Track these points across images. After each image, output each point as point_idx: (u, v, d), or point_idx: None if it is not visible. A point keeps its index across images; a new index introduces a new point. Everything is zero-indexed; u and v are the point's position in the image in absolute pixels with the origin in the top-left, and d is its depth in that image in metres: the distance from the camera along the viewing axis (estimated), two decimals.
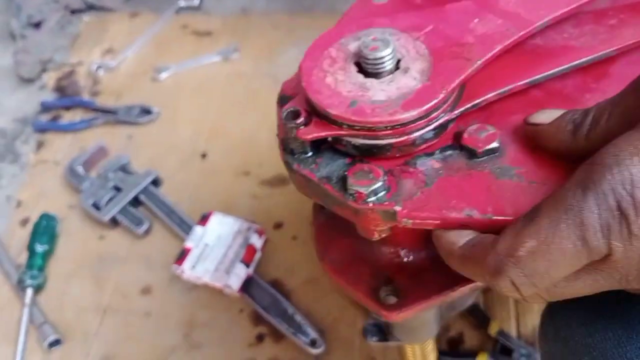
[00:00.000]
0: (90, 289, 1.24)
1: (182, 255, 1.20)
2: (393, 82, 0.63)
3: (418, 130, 0.62)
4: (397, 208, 0.59)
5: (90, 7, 1.63)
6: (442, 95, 0.61)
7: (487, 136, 0.64)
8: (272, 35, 1.59)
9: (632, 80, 0.51)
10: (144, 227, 1.27)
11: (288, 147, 0.68)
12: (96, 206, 1.29)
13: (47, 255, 1.26)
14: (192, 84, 1.49)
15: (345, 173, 0.62)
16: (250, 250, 1.20)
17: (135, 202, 1.30)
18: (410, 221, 0.60)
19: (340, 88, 0.63)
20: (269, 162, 1.35)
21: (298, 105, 0.67)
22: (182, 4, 1.64)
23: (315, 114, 0.63)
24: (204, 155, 1.38)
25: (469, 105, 0.66)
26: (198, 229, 1.23)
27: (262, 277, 1.20)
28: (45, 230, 1.27)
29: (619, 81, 0.62)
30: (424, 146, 0.63)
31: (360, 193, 0.60)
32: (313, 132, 0.63)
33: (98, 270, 1.26)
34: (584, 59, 0.70)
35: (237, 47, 1.53)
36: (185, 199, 1.32)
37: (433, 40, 0.67)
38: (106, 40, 1.60)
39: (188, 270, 1.19)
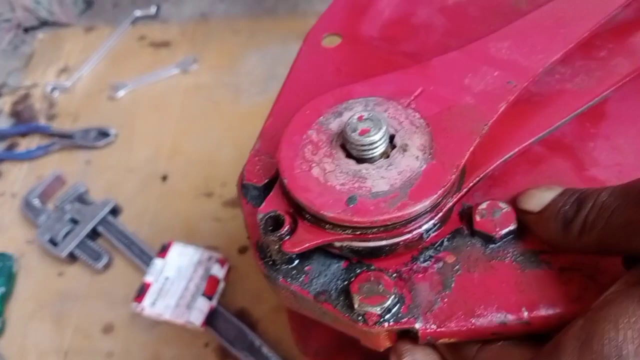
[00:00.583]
0: (51, 330, 1.03)
1: (142, 291, 0.99)
2: (392, 165, 0.45)
3: (428, 221, 0.44)
4: (419, 326, 0.42)
5: (44, 24, 1.37)
6: (454, 176, 0.43)
7: (503, 217, 0.46)
8: (232, 41, 1.33)
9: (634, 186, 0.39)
10: (103, 261, 1.05)
11: (267, 258, 0.45)
12: (53, 241, 1.07)
13: (5, 297, 1.05)
14: (150, 100, 1.24)
15: (346, 284, 0.44)
16: (212, 281, 0.98)
17: (94, 234, 1.08)
18: (434, 339, 0.42)
19: (332, 181, 0.44)
20: (232, 182, 1.09)
21: (276, 206, 0.42)
22: (139, 13, 1.38)
23: (302, 216, 0.44)
24: (164, 178, 1.14)
25: (476, 181, 0.47)
26: (158, 262, 1.00)
27: (228, 308, 0.99)
28: (1, 272, 1.03)
29: (618, 122, 0.51)
30: (431, 236, 0.45)
31: (372, 314, 0.42)
32: (303, 243, 0.43)
33: (58, 310, 1.05)
34: (584, 106, 0.46)
35: (196, 58, 1.29)
36: (145, 227, 1.09)
37: (427, 106, 0.48)
38: (61, 58, 1.34)
39: (148, 307, 0.97)
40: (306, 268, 0.45)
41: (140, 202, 1.12)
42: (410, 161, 0.43)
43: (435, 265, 0.44)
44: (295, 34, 1.39)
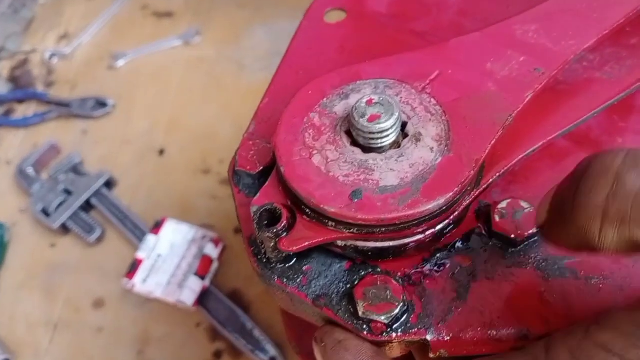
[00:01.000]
0: (41, 302, 0.97)
1: (133, 267, 0.93)
2: (403, 156, 0.38)
3: (442, 220, 0.38)
4: (430, 337, 0.36)
5: None
6: (473, 172, 0.37)
7: (525, 218, 0.39)
8: (237, 15, 1.26)
9: None
10: (96, 234, 0.99)
11: (262, 255, 0.39)
12: (45, 212, 1.01)
13: None
14: (150, 71, 1.17)
15: (349, 288, 0.38)
16: (206, 261, 0.92)
17: (87, 206, 1.02)
18: (447, 353, 0.36)
19: (334, 171, 0.38)
20: (230, 159, 1.03)
21: (272, 198, 0.36)
22: None
23: (301, 210, 0.38)
24: (161, 152, 1.07)
25: (496, 177, 0.40)
26: (150, 238, 0.94)
27: (221, 288, 0.94)
28: None
29: None
30: (445, 237, 0.39)
31: (378, 322, 0.36)
32: (302, 241, 0.37)
33: (49, 281, 0.98)
34: (614, 98, 0.39)
35: (199, 31, 1.21)
36: (140, 201, 1.03)
37: (444, 91, 0.41)
38: (62, 24, 1.26)
39: (139, 284, 0.91)
40: (304, 268, 0.39)
41: (136, 176, 1.06)
42: (424, 153, 0.37)
43: (448, 270, 0.38)
44: (302, 8, 1.30)
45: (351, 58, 0.48)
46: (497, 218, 0.38)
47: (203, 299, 0.91)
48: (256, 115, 0.46)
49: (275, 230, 0.36)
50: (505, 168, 0.39)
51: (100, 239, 0.99)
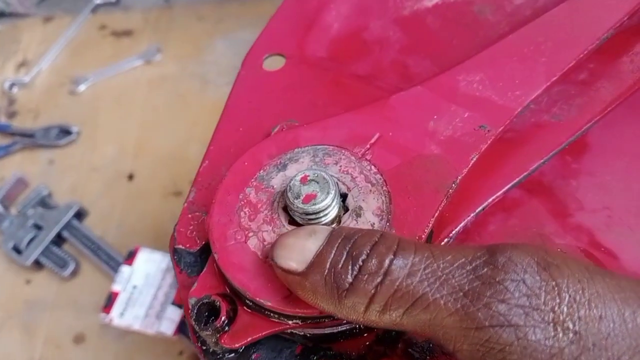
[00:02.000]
0: (21, 340, 0.95)
1: (110, 301, 0.89)
2: None
3: None
4: None
5: (1, 15, 1.21)
6: None
7: None
8: (197, 28, 1.21)
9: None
10: (70, 268, 0.95)
11: (207, 347, 0.37)
12: (17, 249, 0.97)
13: None
14: (112, 94, 1.13)
15: None
16: None
17: (59, 239, 0.98)
18: None
19: None
20: None
21: (211, 287, 0.33)
22: (99, 0, 1.24)
23: (242, 300, 0.35)
24: (130, 177, 1.04)
25: (445, 242, 0.38)
26: (125, 270, 0.91)
27: None
28: None
29: (603, 154, 0.41)
30: None
31: None
32: (244, 337, 0.34)
33: (28, 319, 0.95)
34: (565, 143, 0.37)
35: (159, 48, 1.16)
36: (113, 230, 0.99)
37: (384, 157, 0.37)
38: (19, 51, 1.21)
39: (117, 318, 0.88)
40: (254, 356, 0.35)
41: (106, 204, 1.02)
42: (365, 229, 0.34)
43: (403, 347, 0.35)
44: (264, 19, 1.26)
45: (293, 110, 0.44)
46: None
47: (184, 326, 0.88)
48: (196, 181, 0.43)
49: (215, 327, 0.33)
50: (455, 231, 0.36)
51: (74, 273, 0.96)
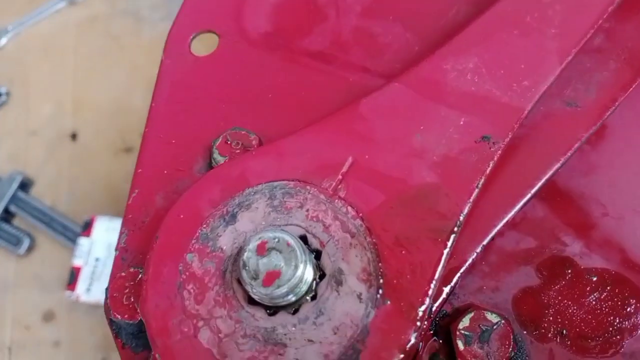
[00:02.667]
0: None
1: (73, 277, 0.80)
2: (323, 314, 0.24)
3: None
4: None
5: None
6: (418, 329, 0.24)
7: (497, 338, 0.27)
8: None
9: None
10: (24, 245, 0.85)
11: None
12: None
13: None
14: (38, 44, 0.96)
15: None
16: None
17: (7, 215, 0.86)
18: None
19: (232, 354, 0.23)
20: None
21: None
22: None
23: None
24: (73, 136, 0.90)
25: (455, 282, 0.27)
26: (83, 242, 0.81)
27: None
28: None
29: (626, 137, 0.30)
30: None
31: None
32: None
33: None
34: (586, 136, 0.26)
35: None
36: (63, 197, 0.88)
37: (363, 192, 0.27)
38: None
39: (83, 294, 0.80)
40: None
41: (52, 170, 0.89)
42: (350, 305, 0.24)
43: None
44: None
45: (237, 110, 0.33)
46: (460, 345, 0.27)
47: None
48: (125, 220, 0.32)
49: None
50: (465, 266, 0.27)
51: (30, 249, 0.85)
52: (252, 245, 0.23)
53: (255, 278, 0.23)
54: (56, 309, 0.83)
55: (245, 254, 0.23)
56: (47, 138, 0.90)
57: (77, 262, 0.80)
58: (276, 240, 0.23)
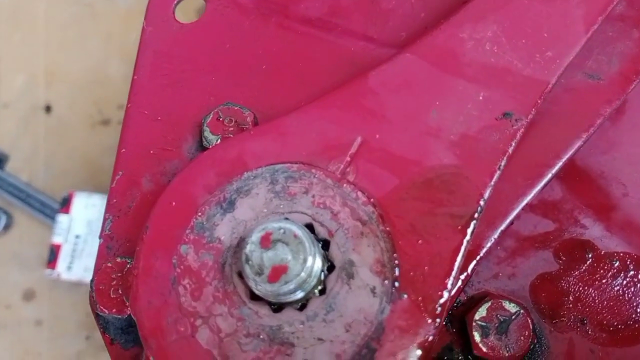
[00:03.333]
0: None
1: (53, 255, 0.76)
2: (334, 310, 0.22)
3: None
4: None
5: None
6: (437, 325, 0.22)
7: (516, 329, 0.24)
8: None
9: None
10: (1, 223, 0.80)
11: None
12: None
13: None
14: (6, 12, 0.90)
15: None
16: None
17: None
18: None
19: (234, 355, 0.21)
20: None
21: None
22: None
23: None
24: (47, 108, 0.85)
25: (464, 277, 0.25)
26: (62, 219, 0.77)
27: None
28: None
29: None
30: None
31: None
32: None
33: None
34: (609, 111, 0.24)
35: None
36: (40, 173, 0.83)
37: (374, 176, 0.24)
38: None
39: (64, 272, 0.76)
40: None
41: (27, 144, 0.84)
42: (363, 299, 0.22)
43: None
44: None
45: (228, 83, 0.30)
46: (477, 337, 0.25)
47: None
48: (109, 205, 0.29)
49: None
50: (482, 253, 0.25)
51: (8, 226, 0.81)
52: (255, 236, 0.21)
53: (259, 273, 0.20)
54: (37, 287, 0.80)
55: (248, 246, 0.21)
56: (20, 111, 0.85)
57: (56, 239, 0.76)
58: (282, 231, 0.20)
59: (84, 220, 0.77)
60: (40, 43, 0.88)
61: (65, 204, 0.78)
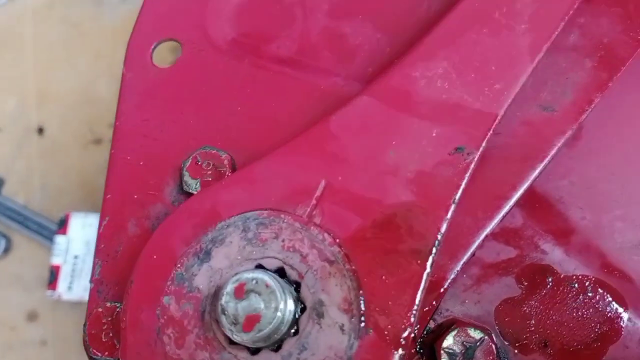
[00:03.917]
0: None
1: (53, 276, 0.79)
2: (307, 349, 0.24)
3: None
4: None
5: None
6: (402, 351, 0.24)
7: (482, 354, 0.27)
8: None
9: None
10: (1, 247, 0.82)
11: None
12: None
13: None
14: None
15: None
16: None
17: None
18: None
19: None
20: None
21: None
22: None
23: None
24: (40, 130, 0.87)
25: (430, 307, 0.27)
26: (60, 240, 0.79)
27: None
28: None
29: (601, 137, 0.29)
30: None
31: None
32: None
33: None
34: (563, 141, 0.26)
35: None
36: (36, 195, 0.86)
37: (339, 217, 0.26)
38: None
39: (65, 292, 0.79)
40: None
41: (22, 167, 0.87)
42: (333, 337, 0.24)
43: None
44: None
45: (206, 126, 0.32)
46: None
47: None
48: (98, 250, 0.31)
49: None
50: (445, 285, 0.27)
51: (7, 249, 0.84)
52: (230, 288, 0.23)
53: (235, 323, 0.22)
54: (39, 308, 0.82)
55: (223, 297, 0.23)
56: (12, 134, 0.87)
57: (55, 260, 0.79)
58: (254, 281, 0.22)
59: (82, 241, 0.79)
60: (29, 64, 0.90)
61: (62, 225, 0.80)
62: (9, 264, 0.84)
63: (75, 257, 0.79)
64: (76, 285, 0.78)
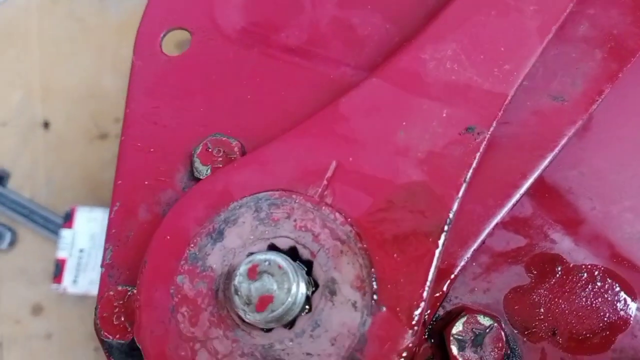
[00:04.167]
0: None
1: (58, 270, 0.80)
2: (319, 326, 0.24)
3: None
4: None
5: None
6: (415, 333, 0.24)
7: (490, 341, 0.27)
8: None
9: None
10: (6, 240, 0.84)
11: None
12: None
13: None
14: (1, 30, 0.91)
15: None
16: None
17: None
18: None
19: None
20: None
21: None
22: None
23: None
24: (46, 125, 0.88)
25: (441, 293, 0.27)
26: (66, 234, 0.80)
27: None
28: None
29: (611, 128, 0.29)
30: None
31: None
32: None
33: None
34: (573, 131, 0.27)
35: None
36: (41, 189, 0.86)
37: (350, 197, 0.26)
38: None
39: (70, 286, 0.79)
40: None
41: (27, 161, 0.87)
42: (346, 314, 0.25)
43: None
44: None
45: (215, 113, 0.32)
46: (454, 350, 0.27)
47: None
48: (109, 235, 0.31)
49: None
50: (456, 272, 0.27)
51: (13, 243, 0.84)
52: (243, 269, 0.23)
53: (248, 304, 0.23)
54: (44, 302, 0.83)
55: (237, 278, 0.23)
56: (18, 128, 0.88)
57: (61, 254, 0.79)
58: (267, 263, 0.23)
59: (87, 234, 0.80)
60: (34, 59, 0.90)
61: (68, 219, 0.80)
62: (15, 258, 0.84)
63: (81, 250, 0.79)
64: (81, 279, 0.79)
